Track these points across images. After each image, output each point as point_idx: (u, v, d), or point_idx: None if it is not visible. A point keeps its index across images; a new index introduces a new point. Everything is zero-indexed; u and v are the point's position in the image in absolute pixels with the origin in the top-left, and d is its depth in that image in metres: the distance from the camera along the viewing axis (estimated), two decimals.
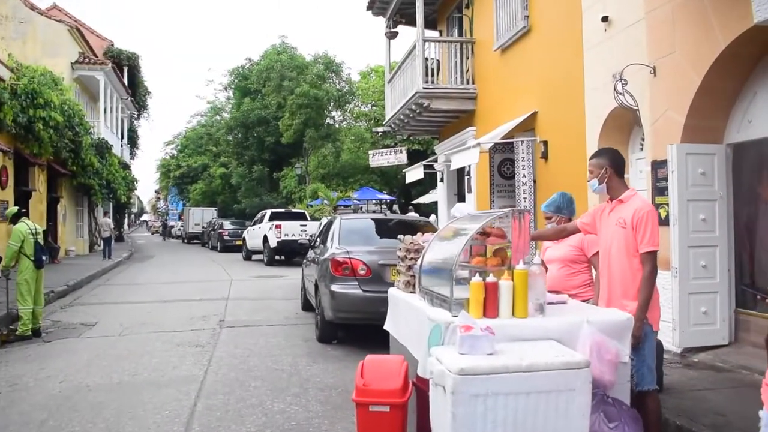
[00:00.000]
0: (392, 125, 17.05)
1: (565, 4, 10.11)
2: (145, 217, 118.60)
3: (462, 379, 2.69)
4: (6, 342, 8.46)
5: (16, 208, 9.92)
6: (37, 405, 5.59)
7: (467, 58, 14.51)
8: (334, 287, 7.60)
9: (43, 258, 9.25)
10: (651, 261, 3.69)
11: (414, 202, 30.79)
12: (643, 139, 8.81)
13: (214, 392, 5.97)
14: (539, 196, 10.86)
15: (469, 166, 13.54)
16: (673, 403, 5.09)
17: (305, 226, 21.86)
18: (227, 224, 33.30)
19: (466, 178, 14.47)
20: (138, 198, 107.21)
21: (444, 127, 16.47)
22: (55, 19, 25.41)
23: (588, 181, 3.97)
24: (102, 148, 25.38)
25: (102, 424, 5.09)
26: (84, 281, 15.78)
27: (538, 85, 11.07)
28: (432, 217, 16.51)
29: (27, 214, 10.28)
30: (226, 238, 31.47)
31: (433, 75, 14.29)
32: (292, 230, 21.80)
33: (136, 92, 37.60)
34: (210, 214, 43.03)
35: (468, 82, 14.35)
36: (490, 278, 3.19)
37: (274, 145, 38.75)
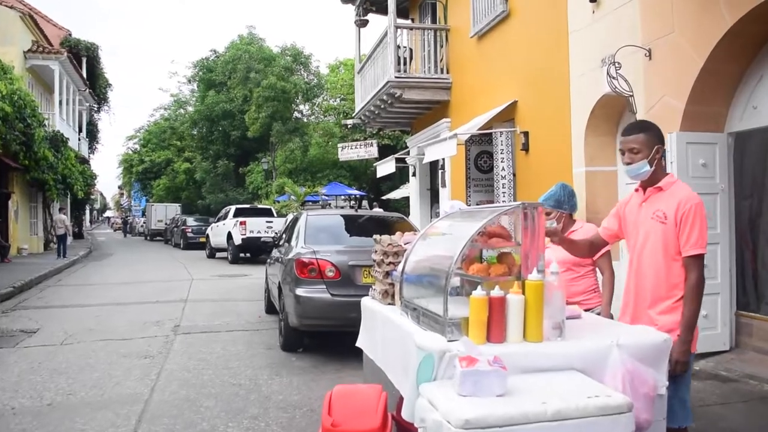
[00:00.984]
0: (362, 117, 16.30)
1: None
2: (108, 213, 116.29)
3: None
4: None
5: None
6: None
7: (441, 46, 13.82)
8: (300, 291, 6.84)
9: None
10: (699, 267, 2.98)
11: (384, 197, 30.07)
12: None
13: (159, 415, 5.17)
14: (519, 191, 10.24)
15: (443, 159, 12.87)
16: None
17: (271, 222, 21.03)
18: (191, 221, 32.37)
19: (440, 172, 13.79)
20: (101, 194, 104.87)
21: (416, 119, 15.78)
22: (5, 5, 24.07)
23: (628, 164, 3.14)
24: (57, 142, 24.12)
25: None
26: (33, 282, 14.74)
27: (518, 73, 10.41)
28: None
29: None
30: (189, 235, 30.53)
31: (405, 64, 13.59)
32: (257, 227, 20.95)
33: (95, 84, 36.22)
34: (173, 210, 41.92)
35: (442, 72, 13.67)
36: (496, 291, 2.47)
37: (240, 139, 37.75)
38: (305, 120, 37.28)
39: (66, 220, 24.34)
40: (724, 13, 5.88)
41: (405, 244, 3.51)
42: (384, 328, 3.28)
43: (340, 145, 19.49)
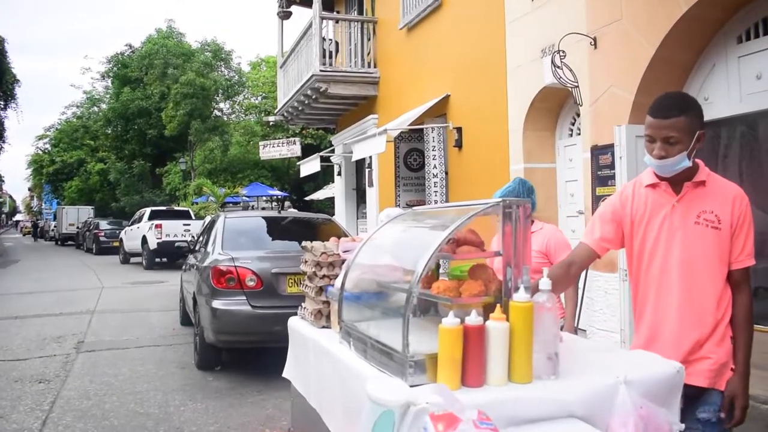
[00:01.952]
0: (285, 114, 15.51)
1: None
2: (18, 217, 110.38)
3: None
4: None
5: None
6: None
7: (368, 39, 13.23)
8: (216, 303, 6.05)
9: None
10: (748, 280, 2.36)
11: (308, 198, 29.25)
12: (572, 123, 7.82)
13: None
14: (452, 190, 9.74)
15: (371, 157, 12.28)
16: None
17: (189, 225, 19.90)
18: (104, 224, 30.67)
19: (366, 170, 13.18)
20: (9, 197, 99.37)
21: (342, 116, 15.12)
22: None
23: (662, 157, 2.30)
24: None
25: None
26: None
27: (451, 66, 9.91)
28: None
29: None
30: (102, 239, 28.92)
31: (331, 57, 12.90)
32: (174, 230, 19.79)
33: (1, 80, 33.78)
34: (86, 213, 39.78)
35: (369, 66, 13.08)
36: (472, 318, 1.84)
37: (156, 138, 36.14)
38: (225, 118, 36.00)
39: None
40: None
41: (343, 252, 2.84)
42: (318, 361, 2.60)
43: (261, 143, 18.61)
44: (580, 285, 3.75)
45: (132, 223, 23.30)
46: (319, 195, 26.65)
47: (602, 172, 6.34)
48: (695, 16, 5.49)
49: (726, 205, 2.31)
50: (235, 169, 34.02)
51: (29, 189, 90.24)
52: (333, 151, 15.59)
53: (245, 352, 6.94)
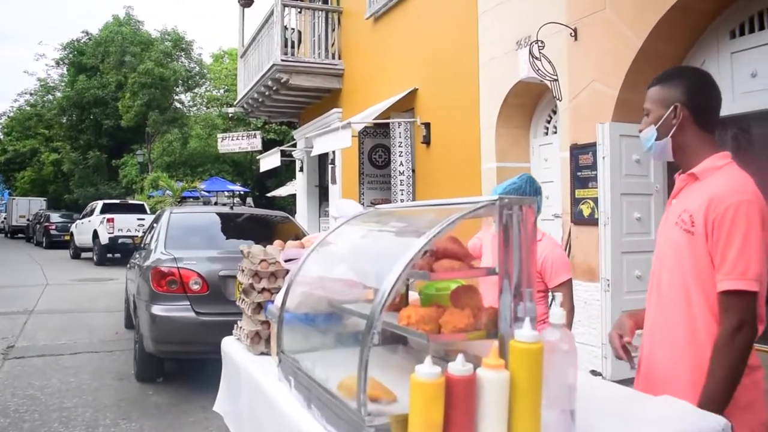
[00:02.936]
0: (245, 105, 14.84)
1: None
2: None
3: None
4: None
5: None
6: None
7: (333, 29, 12.64)
8: (156, 309, 5.42)
9: None
10: (740, 310, 1.77)
11: (269, 194, 28.51)
12: (548, 121, 7.36)
13: None
14: (419, 188, 9.23)
15: (334, 153, 11.72)
16: None
17: (143, 220, 19.02)
18: (55, 216, 29.58)
19: (329, 167, 12.60)
20: None
21: (304, 109, 14.51)
22: None
23: (639, 130, 2.06)
24: None
25: None
26: None
27: (419, 58, 9.39)
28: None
29: None
30: (53, 232, 27.84)
31: (293, 47, 12.29)
32: (126, 224, 18.92)
33: None
34: (38, 204, 38.37)
35: (334, 57, 12.49)
36: (457, 365, 1.30)
37: (113, 128, 34.90)
38: (186, 111, 34.95)
39: None
40: None
41: (286, 261, 2.27)
42: (253, 401, 2.03)
43: (220, 135, 17.87)
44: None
45: (83, 217, 22.34)
46: (282, 192, 25.94)
47: (582, 173, 5.89)
48: (686, 7, 5.05)
49: (702, 204, 1.84)
50: (194, 163, 33.06)
51: None
52: (295, 145, 14.97)
53: (192, 361, 6.32)
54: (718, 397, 1.77)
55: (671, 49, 5.41)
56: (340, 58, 12.44)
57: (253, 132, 17.37)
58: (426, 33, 9.17)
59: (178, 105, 34.12)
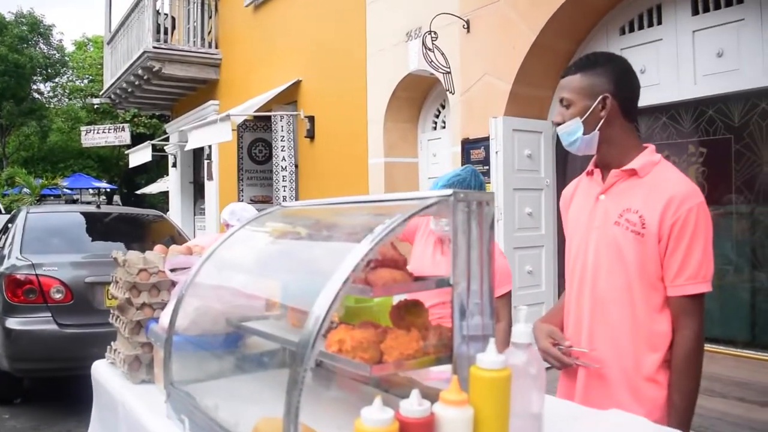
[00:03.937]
0: (112, 96, 13.87)
1: None
2: None
3: None
4: None
5: None
6: None
7: (210, 16, 12.01)
8: (12, 322, 4.75)
9: None
10: (699, 314, 1.71)
11: (139, 192, 27.08)
12: (437, 116, 7.25)
13: None
14: (303, 184, 8.90)
15: (210, 147, 11.13)
16: None
17: None
18: None
19: (205, 162, 12.00)
20: None
21: (178, 101, 13.76)
22: None
23: (555, 122, 1.84)
24: None
25: None
26: None
27: (303, 49, 9.02)
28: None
29: None
30: None
31: (166, 34, 11.56)
32: None
33: None
34: None
35: (211, 46, 11.88)
36: (411, 404, 1.02)
37: None
38: (45, 102, 32.46)
39: None
40: None
41: (171, 270, 1.89)
42: None
43: (83, 128, 16.61)
44: None
45: None
46: (153, 189, 24.68)
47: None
48: (579, 0, 5.04)
49: (656, 205, 1.70)
50: (55, 159, 30.83)
51: None
52: (167, 139, 14.16)
53: (56, 379, 5.65)
54: (691, 404, 1.72)
55: (564, 44, 5.41)
56: (217, 47, 11.84)
57: (122, 125, 16.25)
58: (310, 22, 8.82)
59: (36, 95, 31.61)
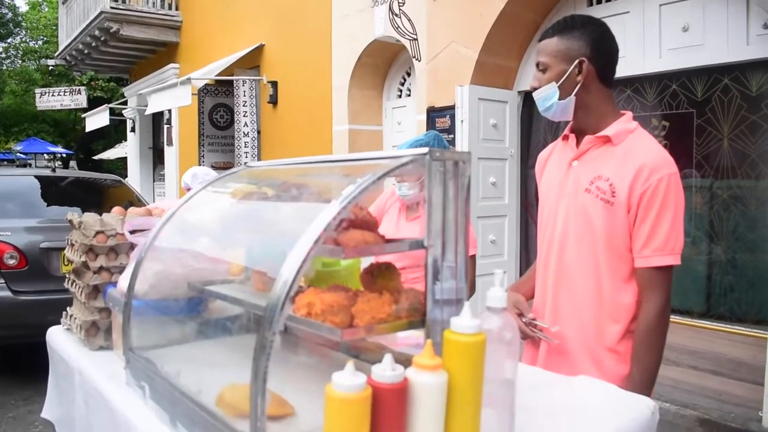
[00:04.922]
0: (68, 57, 13.44)
1: None
2: None
3: None
4: None
5: None
6: None
7: None
8: None
9: None
10: (665, 287, 1.68)
11: (96, 157, 26.44)
12: (402, 84, 7.18)
13: None
14: (265, 151, 8.78)
15: (170, 112, 10.88)
16: None
17: None
18: None
19: (165, 127, 11.74)
20: None
21: (137, 64, 13.40)
22: None
23: (532, 87, 1.80)
24: None
25: None
26: None
27: (267, 12, 8.83)
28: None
29: None
30: None
31: None
32: None
33: None
34: None
35: (171, 7, 11.54)
36: (384, 369, 0.99)
37: None
38: None
39: None
40: None
41: (131, 233, 1.82)
42: (93, 409, 1.59)
43: (38, 90, 16.06)
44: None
45: None
46: (110, 154, 24.08)
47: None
48: None
49: (627, 174, 1.67)
50: (8, 122, 29.82)
51: None
52: (126, 103, 13.80)
53: (8, 347, 5.51)
54: (652, 376, 1.72)
55: (531, 14, 5.38)
56: (177, 9, 11.52)
57: (78, 88, 15.76)
58: None
59: None
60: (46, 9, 33.25)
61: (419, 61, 5.94)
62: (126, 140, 16.45)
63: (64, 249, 4.68)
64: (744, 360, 4.37)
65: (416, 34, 5.89)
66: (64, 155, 28.59)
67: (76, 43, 12.36)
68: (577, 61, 1.71)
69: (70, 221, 2.04)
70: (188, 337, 1.53)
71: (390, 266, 1.20)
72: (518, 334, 1.16)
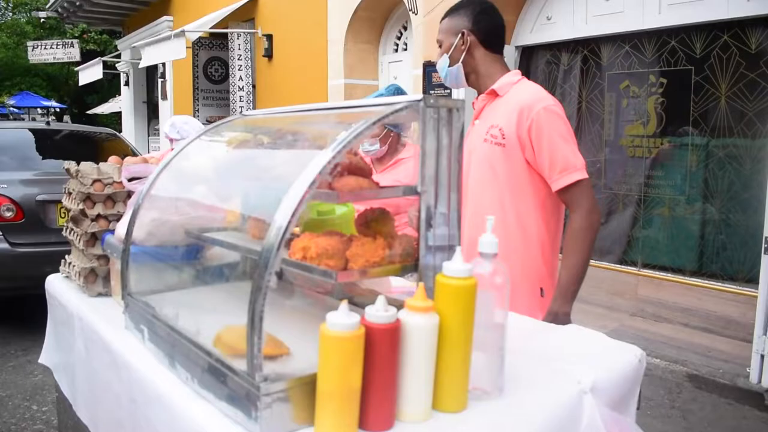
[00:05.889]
0: (59, 9, 13.22)
1: None
2: None
3: None
4: None
5: None
6: None
7: None
8: None
9: None
10: (588, 195, 1.88)
11: (90, 111, 26.22)
12: (398, 38, 7.12)
13: None
14: (260, 105, 8.76)
15: (165, 66, 10.77)
16: None
17: None
18: None
19: (159, 81, 11.65)
20: None
21: (130, 17, 13.21)
22: None
23: (433, 62, 1.99)
24: None
25: None
26: None
27: None
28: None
29: None
30: None
31: None
32: None
33: None
34: None
35: None
36: (377, 310, 1.01)
37: None
38: None
39: None
40: None
41: (129, 181, 1.83)
42: (92, 354, 1.63)
43: (30, 43, 15.82)
44: None
45: None
46: (104, 109, 23.88)
47: (436, 91, 5.73)
48: None
49: (512, 116, 1.91)
50: (1, 76, 29.49)
51: None
52: (119, 56, 13.64)
53: (6, 299, 5.56)
54: (573, 279, 1.87)
55: None
56: None
57: (70, 41, 15.51)
58: None
59: None
60: None
61: (416, 14, 5.87)
62: (120, 94, 16.30)
63: (60, 202, 4.70)
64: (734, 318, 4.45)
65: None
66: (58, 110, 28.35)
67: None
68: (460, 34, 2.00)
69: (67, 170, 2.05)
70: (186, 283, 1.55)
71: (384, 211, 1.22)
72: (508, 278, 1.19)
